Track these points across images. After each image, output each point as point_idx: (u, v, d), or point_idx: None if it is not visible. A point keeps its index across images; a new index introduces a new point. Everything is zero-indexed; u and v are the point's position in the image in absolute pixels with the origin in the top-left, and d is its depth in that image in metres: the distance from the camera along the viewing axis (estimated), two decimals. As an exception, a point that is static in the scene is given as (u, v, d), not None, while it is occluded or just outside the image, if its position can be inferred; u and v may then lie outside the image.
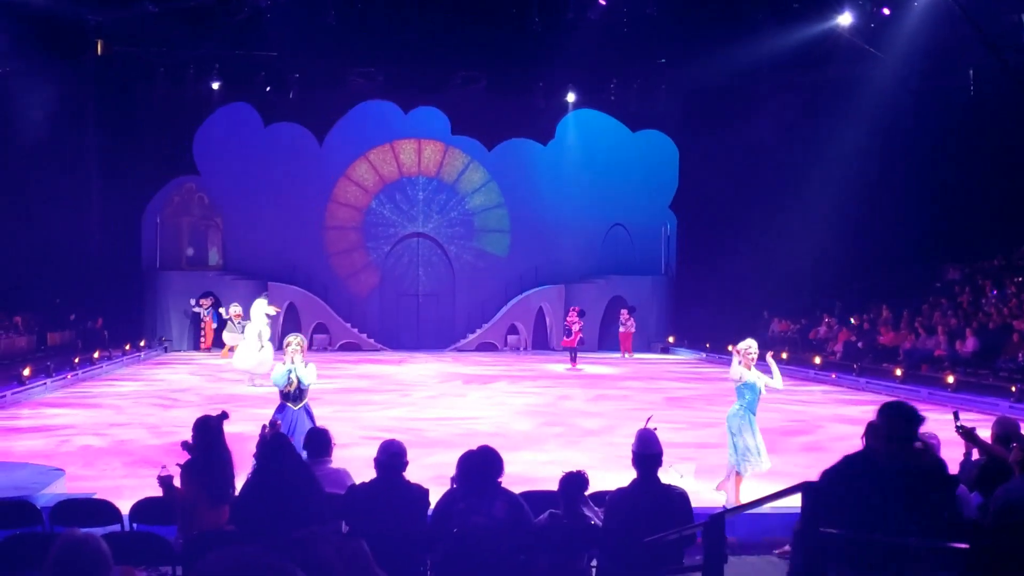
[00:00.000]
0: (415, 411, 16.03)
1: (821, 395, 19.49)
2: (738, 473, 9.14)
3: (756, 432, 9.15)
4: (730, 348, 9.61)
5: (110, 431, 13.54)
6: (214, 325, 27.78)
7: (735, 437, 9.14)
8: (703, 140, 29.82)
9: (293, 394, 9.15)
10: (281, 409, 9.15)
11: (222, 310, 25.91)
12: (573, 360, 23.82)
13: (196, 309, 27.92)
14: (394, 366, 24.22)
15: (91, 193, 28.23)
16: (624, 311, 28.37)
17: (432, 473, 7.94)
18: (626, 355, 27.83)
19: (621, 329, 28.33)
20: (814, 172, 27.77)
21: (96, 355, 23.04)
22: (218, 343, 27.27)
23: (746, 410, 9.15)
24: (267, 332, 19.36)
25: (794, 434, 14.03)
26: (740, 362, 9.19)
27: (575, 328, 23.94)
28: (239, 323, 24.48)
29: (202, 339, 28.40)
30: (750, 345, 9.32)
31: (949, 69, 25.90)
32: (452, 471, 5.63)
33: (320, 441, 6.63)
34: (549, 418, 15.39)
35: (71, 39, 24.99)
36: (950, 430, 6.89)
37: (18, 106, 24.53)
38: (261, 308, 19.36)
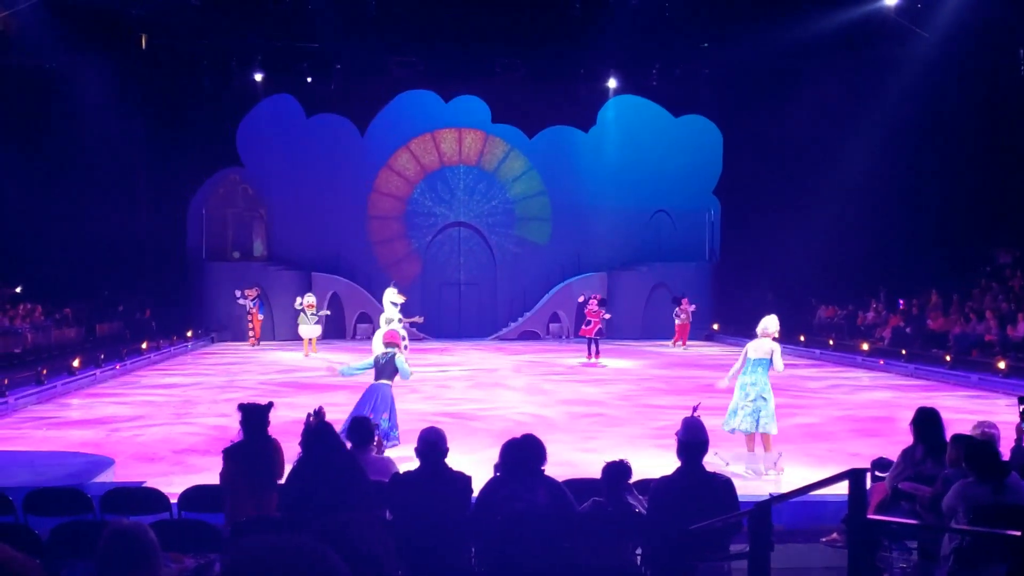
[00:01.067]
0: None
1: (868, 381, 19.23)
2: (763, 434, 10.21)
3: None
4: (772, 337, 10.37)
5: (159, 421, 13.72)
6: (261, 317, 27.03)
7: (767, 402, 10.14)
8: (747, 124, 29.49)
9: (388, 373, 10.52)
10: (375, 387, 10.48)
11: (299, 300, 24.76)
12: (592, 353, 22.28)
13: (241, 301, 26.76)
14: (437, 355, 24.27)
15: (138, 185, 28.62)
16: (685, 300, 26.96)
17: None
18: (679, 344, 26.72)
19: (680, 320, 26.90)
20: (860, 155, 27.35)
21: (144, 346, 23.37)
22: (286, 336, 27.30)
23: (763, 377, 10.20)
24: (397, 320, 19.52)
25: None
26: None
27: (596, 319, 22.30)
28: (312, 314, 24.15)
29: (250, 332, 26.83)
30: (777, 323, 10.48)
31: (997, 48, 25.35)
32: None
33: (363, 430, 6.65)
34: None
35: (116, 33, 25.31)
36: (1005, 417, 6.76)
37: (66, 100, 24.90)
38: (391, 296, 19.66)
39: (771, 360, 10.16)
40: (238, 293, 26.60)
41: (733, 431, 10.29)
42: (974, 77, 25.72)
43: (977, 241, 26.74)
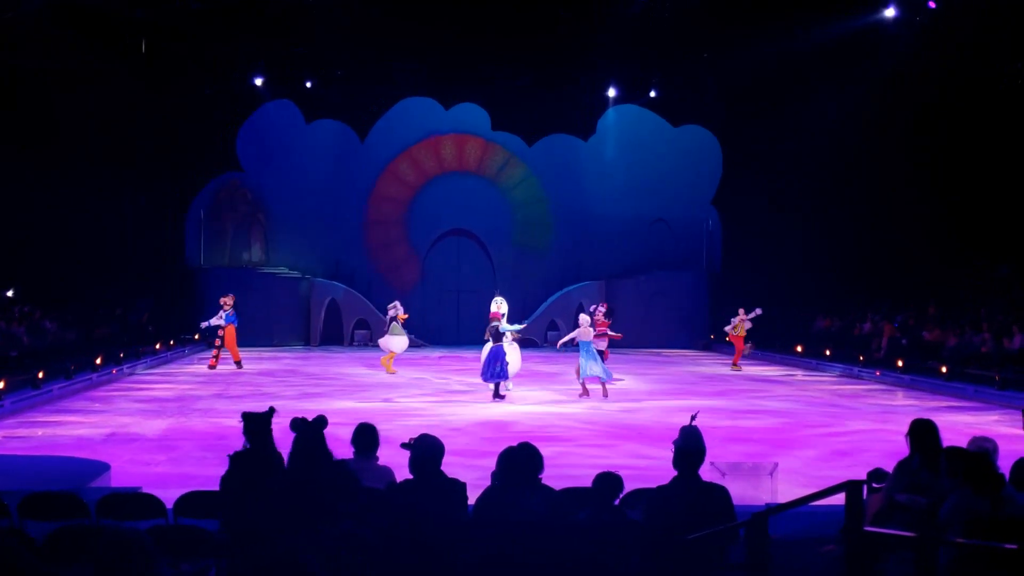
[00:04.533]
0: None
1: (865, 392, 19.23)
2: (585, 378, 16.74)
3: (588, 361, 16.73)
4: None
5: (155, 425, 13.70)
6: (237, 326, 21.67)
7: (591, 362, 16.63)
8: (746, 135, 29.55)
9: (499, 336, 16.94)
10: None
11: (392, 307, 20.90)
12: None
13: (215, 321, 21.50)
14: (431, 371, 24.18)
15: (137, 189, 28.56)
16: (742, 311, 22.82)
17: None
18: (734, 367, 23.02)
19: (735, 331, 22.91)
20: (859, 167, 27.36)
21: (141, 350, 23.33)
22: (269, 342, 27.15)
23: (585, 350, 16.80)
24: (513, 327, 18.86)
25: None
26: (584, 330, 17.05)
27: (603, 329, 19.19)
28: (401, 324, 20.81)
29: (214, 352, 21.74)
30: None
31: (999, 59, 25.33)
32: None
33: (366, 438, 6.52)
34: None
35: (117, 36, 25.28)
36: (1000, 429, 6.76)
37: (65, 103, 24.86)
38: (498, 306, 19.37)
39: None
40: (203, 325, 22.33)
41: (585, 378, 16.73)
42: (977, 90, 25.69)
43: (975, 253, 26.75)
